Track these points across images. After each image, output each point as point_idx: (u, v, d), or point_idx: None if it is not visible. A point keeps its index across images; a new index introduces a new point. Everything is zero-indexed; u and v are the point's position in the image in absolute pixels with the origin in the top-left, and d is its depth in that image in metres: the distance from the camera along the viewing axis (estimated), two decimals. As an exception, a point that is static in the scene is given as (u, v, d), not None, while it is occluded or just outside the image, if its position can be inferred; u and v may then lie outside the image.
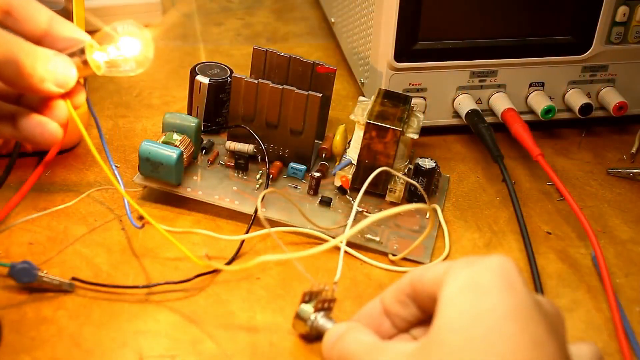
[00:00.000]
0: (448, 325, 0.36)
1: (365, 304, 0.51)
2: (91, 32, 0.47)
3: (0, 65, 0.41)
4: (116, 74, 0.46)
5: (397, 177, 0.58)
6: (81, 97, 0.46)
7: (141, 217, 0.48)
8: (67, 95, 0.45)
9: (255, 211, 0.55)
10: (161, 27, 0.81)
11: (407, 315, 0.42)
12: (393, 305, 0.42)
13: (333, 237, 0.55)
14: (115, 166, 0.50)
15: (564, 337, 0.37)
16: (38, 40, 0.44)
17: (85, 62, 0.45)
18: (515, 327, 0.35)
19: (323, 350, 0.44)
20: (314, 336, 0.46)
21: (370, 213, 0.57)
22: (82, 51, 0.45)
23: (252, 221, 0.55)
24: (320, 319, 0.46)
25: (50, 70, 0.42)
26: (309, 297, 0.47)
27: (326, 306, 0.46)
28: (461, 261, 0.39)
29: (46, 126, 0.44)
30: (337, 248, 0.52)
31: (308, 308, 0.46)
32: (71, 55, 0.44)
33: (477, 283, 0.36)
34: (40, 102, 0.45)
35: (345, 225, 0.55)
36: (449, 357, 0.35)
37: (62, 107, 0.45)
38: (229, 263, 0.53)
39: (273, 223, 0.56)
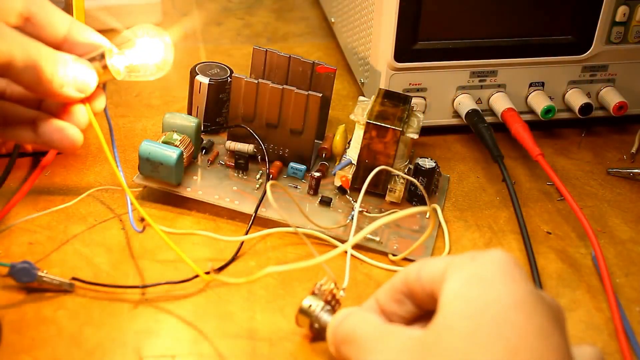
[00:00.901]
0: (455, 314, 0.36)
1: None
2: (100, 31, 0.47)
3: (20, 70, 0.41)
4: (136, 78, 0.46)
5: (397, 176, 0.58)
6: (101, 102, 0.46)
7: (142, 219, 0.48)
8: (87, 100, 0.45)
9: (256, 211, 0.55)
10: (161, 27, 0.81)
11: (403, 313, 0.42)
12: (389, 304, 0.42)
13: (333, 237, 0.55)
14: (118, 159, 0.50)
15: (566, 329, 0.37)
16: (58, 45, 0.44)
17: (105, 67, 0.45)
18: (521, 317, 0.35)
19: (328, 331, 0.44)
20: (315, 331, 0.46)
21: (369, 213, 0.57)
22: (102, 56, 0.45)
23: (252, 221, 0.55)
24: (324, 314, 0.46)
25: (70, 75, 0.43)
26: (318, 291, 0.47)
27: (332, 303, 0.46)
28: (461, 257, 0.39)
29: (66, 131, 0.44)
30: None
31: (313, 300, 0.46)
32: (91, 60, 0.44)
33: (480, 276, 0.37)
34: (60, 107, 0.45)
35: (345, 225, 0.56)
36: (458, 342, 0.35)
37: (82, 112, 0.45)
38: (227, 265, 0.53)
39: (273, 223, 0.56)
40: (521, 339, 0.34)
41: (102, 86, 0.46)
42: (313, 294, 0.47)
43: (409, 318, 0.42)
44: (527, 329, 0.35)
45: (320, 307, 0.46)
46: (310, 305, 0.46)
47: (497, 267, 0.37)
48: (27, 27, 0.43)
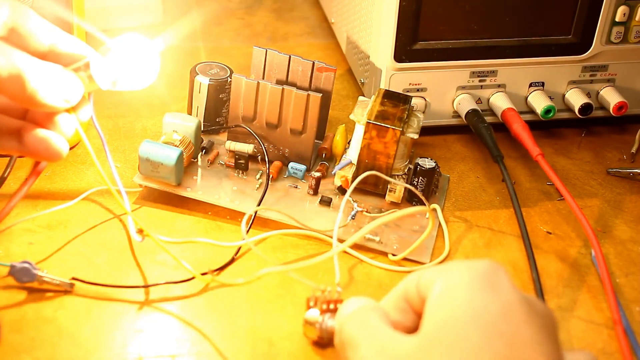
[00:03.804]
0: (442, 322, 0.36)
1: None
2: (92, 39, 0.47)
3: (5, 81, 0.40)
4: (122, 88, 0.46)
5: (397, 176, 0.58)
6: (87, 112, 0.46)
7: (141, 230, 0.48)
8: (72, 109, 0.45)
9: (255, 213, 0.55)
10: (161, 26, 0.81)
11: (408, 322, 0.41)
12: (393, 313, 0.42)
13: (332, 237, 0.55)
14: (116, 166, 0.50)
15: (557, 336, 0.37)
16: (43, 56, 0.44)
17: (90, 77, 0.44)
18: (510, 327, 0.35)
19: (336, 326, 0.43)
20: (325, 340, 0.46)
21: (369, 213, 0.57)
22: (87, 66, 0.44)
23: (251, 224, 0.55)
24: (329, 321, 0.46)
25: (56, 85, 0.42)
26: (313, 302, 0.47)
27: (332, 307, 0.46)
28: (450, 264, 0.39)
29: (51, 141, 0.44)
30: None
31: (314, 312, 0.46)
32: (76, 70, 0.44)
33: (467, 283, 0.37)
34: (46, 117, 0.44)
35: (344, 226, 0.56)
36: (448, 354, 0.35)
37: (67, 122, 0.45)
38: (226, 266, 0.53)
39: (272, 223, 0.56)
40: (511, 349, 0.34)
41: (89, 96, 0.46)
42: (309, 306, 0.46)
43: (414, 327, 0.42)
44: (516, 339, 0.35)
45: (323, 317, 0.46)
46: (312, 320, 0.46)
47: (484, 276, 0.37)
48: (12, 38, 0.43)
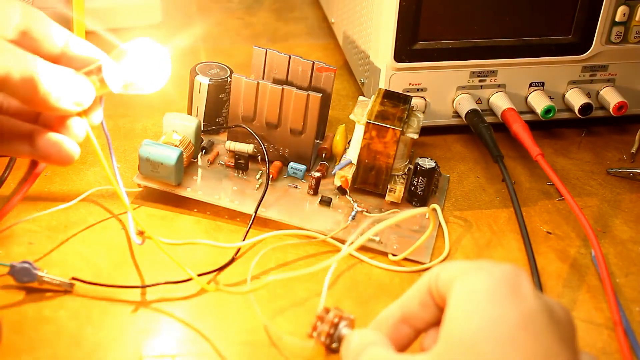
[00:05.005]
0: (459, 331, 0.35)
1: (365, 303, 0.51)
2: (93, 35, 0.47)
3: (17, 84, 0.40)
4: (133, 92, 0.46)
5: (397, 176, 0.58)
6: (98, 116, 0.46)
7: (142, 232, 0.48)
8: (84, 113, 0.45)
9: (255, 213, 0.55)
10: (161, 26, 0.81)
11: (429, 317, 0.41)
12: (414, 308, 0.41)
13: (333, 238, 0.55)
14: (117, 166, 0.50)
15: (576, 345, 0.37)
16: (55, 59, 0.44)
17: (102, 81, 0.45)
18: (528, 338, 0.34)
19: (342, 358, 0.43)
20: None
21: (369, 213, 0.57)
22: (99, 69, 0.44)
23: (250, 225, 0.55)
24: (343, 329, 0.45)
25: (67, 89, 0.42)
26: (317, 336, 0.46)
27: (336, 321, 0.46)
28: (471, 265, 0.38)
29: (63, 145, 0.44)
30: (337, 250, 0.52)
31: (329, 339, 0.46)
32: (88, 73, 0.44)
33: (486, 290, 0.36)
34: (58, 121, 0.44)
35: (344, 227, 0.56)
36: None
37: (79, 126, 0.45)
38: (226, 266, 0.53)
39: (273, 223, 0.56)
40: None
41: (100, 100, 0.46)
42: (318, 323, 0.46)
43: (434, 322, 0.41)
44: (532, 352, 0.34)
45: (337, 335, 0.45)
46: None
47: (505, 282, 0.36)
48: (25, 41, 0.43)
